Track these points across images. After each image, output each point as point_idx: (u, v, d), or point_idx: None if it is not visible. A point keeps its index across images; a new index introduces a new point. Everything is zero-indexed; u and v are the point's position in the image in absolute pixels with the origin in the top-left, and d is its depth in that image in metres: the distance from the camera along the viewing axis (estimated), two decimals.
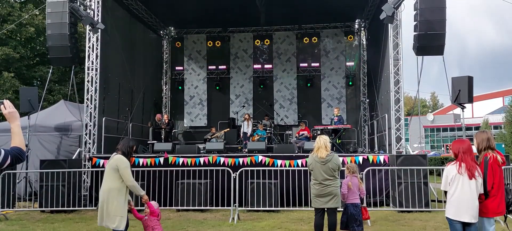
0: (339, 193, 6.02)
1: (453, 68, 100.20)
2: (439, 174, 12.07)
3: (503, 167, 4.64)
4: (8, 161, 2.67)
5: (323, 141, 6.02)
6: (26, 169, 10.70)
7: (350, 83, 17.51)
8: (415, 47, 10.05)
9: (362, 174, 8.73)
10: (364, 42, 17.58)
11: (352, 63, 17.69)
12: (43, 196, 9.73)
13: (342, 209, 6.33)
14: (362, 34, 17.81)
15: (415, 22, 9.87)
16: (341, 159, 9.79)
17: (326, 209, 5.99)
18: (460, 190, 4.34)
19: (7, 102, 2.83)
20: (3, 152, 2.66)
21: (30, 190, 10.70)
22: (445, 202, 8.00)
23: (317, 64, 17.79)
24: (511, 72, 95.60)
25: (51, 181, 9.68)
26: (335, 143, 12.75)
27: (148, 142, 14.04)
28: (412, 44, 10.13)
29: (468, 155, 4.37)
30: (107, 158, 5.52)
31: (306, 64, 17.91)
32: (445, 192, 4.53)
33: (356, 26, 17.73)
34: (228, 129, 15.14)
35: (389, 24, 10.70)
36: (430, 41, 9.78)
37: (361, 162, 10.09)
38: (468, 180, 4.30)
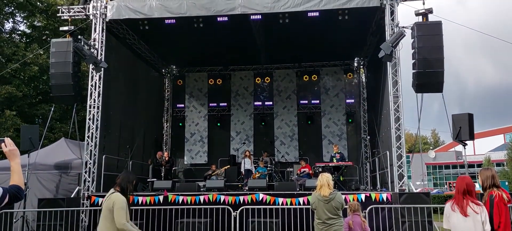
0: None
1: (453, 106, 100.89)
2: (443, 212, 11.87)
3: (510, 205, 4.57)
4: (6, 199, 2.63)
5: (326, 178, 5.95)
6: (24, 208, 10.53)
7: (350, 120, 17.56)
8: (414, 85, 10.17)
9: (365, 212, 8.58)
10: (364, 80, 17.78)
11: (353, 100, 17.78)
12: None
13: None
14: (361, 71, 18.04)
15: (414, 61, 10.04)
16: (343, 196, 9.70)
17: None
18: (455, 228, 4.37)
19: (7, 140, 2.83)
20: (1, 189, 2.62)
21: (27, 230, 10.49)
22: None
23: (317, 101, 17.91)
24: (511, 109, 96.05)
25: (49, 220, 9.52)
26: (338, 180, 12.62)
27: (148, 179, 13.91)
28: (412, 81, 10.26)
29: (459, 193, 4.37)
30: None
31: (306, 102, 18.03)
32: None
33: (355, 64, 18.00)
34: (228, 166, 15.01)
35: (388, 62, 10.86)
36: (429, 79, 9.91)
37: (363, 199, 9.94)
38: (463, 217, 4.27)
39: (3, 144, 2.82)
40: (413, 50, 10.08)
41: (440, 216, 9.51)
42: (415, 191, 10.96)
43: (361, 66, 17.89)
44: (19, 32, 22.87)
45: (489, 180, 4.47)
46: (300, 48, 15.43)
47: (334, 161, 13.23)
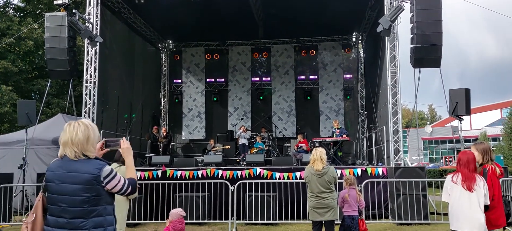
0: (336, 206, 5.97)
1: (453, 81, 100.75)
2: (438, 186, 12.04)
3: (501, 179, 4.60)
4: (130, 190, 2.85)
5: (319, 153, 5.99)
6: (23, 182, 10.62)
7: (348, 97, 17.58)
8: (412, 60, 10.13)
9: (360, 186, 8.69)
10: (362, 55, 17.68)
11: (350, 76, 17.76)
12: None
13: (340, 222, 6.28)
14: (359, 46, 17.93)
15: (412, 35, 9.96)
16: (339, 171, 9.81)
17: (323, 222, 5.95)
18: (457, 201, 4.25)
19: (123, 140, 3.01)
20: (125, 181, 2.83)
21: (26, 204, 10.60)
22: (444, 214, 7.94)
23: (315, 77, 17.87)
24: (510, 84, 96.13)
25: None
26: (335, 155, 12.71)
27: (146, 155, 13.99)
28: (410, 56, 10.21)
29: (464, 166, 4.27)
30: None
31: (304, 77, 17.98)
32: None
33: (354, 39, 17.86)
34: (228, 147, 15.02)
35: (386, 37, 10.78)
36: (427, 53, 9.86)
37: (359, 174, 10.05)
38: (467, 192, 4.19)
39: (121, 142, 2.97)
40: (412, 24, 9.98)
41: (435, 190, 9.67)
42: (410, 165, 11.08)
43: (360, 41, 17.77)
44: (13, 5, 22.52)
45: (488, 153, 4.47)
46: (298, 22, 15.25)
47: (334, 136, 13.31)
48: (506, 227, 4.67)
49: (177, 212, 5.36)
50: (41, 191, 2.80)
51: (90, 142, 2.75)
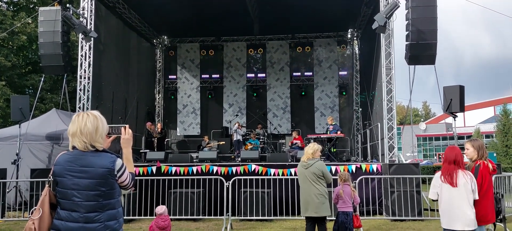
0: (326, 201, 5.90)
1: (448, 78, 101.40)
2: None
3: (494, 176, 4.62)
4: (132, 184, 2.82)
5: (310, 147, 6.01)
6: (16, 178, 10.55)
7: (344, 93, 17.61)
8: (407, 57, 10.16)
9: (355, 182, 8.73)
10: (357, 52, 17.72)
11: (345, 72, 17.80)
12: (33, 205, 9.55)
13: (335, 218, 6.30)
14: (354, 43, 17.96)
15: (407, 32, 9.99)
16: (334, 167, 9.84)
17: (315, 217, 5.95)
18: (447, 198, 4.23)
19: (127, 128, 2.91)
20: (130, 175, 2.79)
21: (20, 200, 10.54)
22: (437, 210, 8.02)
23: (310, 73, 17.89)
24: (504, 82, 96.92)
25: (42, 190, 9.53)
26: (329, 151, 12.75)
27: (141, 151, 13.95)
28: (405, 53, 10.25)
29: (447, 163, 4.25)
30: None
31: (299, 74, 18.00)
32: (436, 200, 4.43)
33: (349, 35, 17.89)
34: (223, 143, 15.01)
35: (381, 34, 10.81)
36: (421, 50, 9.89)
37: (354, 170, 10.09)
38: (455, 189, 4.16)
39: (122, 129, 2.88)
40: (407, 21, 10.01)
41: (428, 186, 9.71)
42: (405, 162, 11.14)
43: (355, 38, 17.79)
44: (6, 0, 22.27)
45: (482, 150, 4.48)
46: (294, 18, 15.23)
47: (328, 132, 13.35)
48: (497, 223, 4.70)
49: (159, 209, 5.34)
50: (47, 185, 2.75)
51: (99, 133, 2.70)
